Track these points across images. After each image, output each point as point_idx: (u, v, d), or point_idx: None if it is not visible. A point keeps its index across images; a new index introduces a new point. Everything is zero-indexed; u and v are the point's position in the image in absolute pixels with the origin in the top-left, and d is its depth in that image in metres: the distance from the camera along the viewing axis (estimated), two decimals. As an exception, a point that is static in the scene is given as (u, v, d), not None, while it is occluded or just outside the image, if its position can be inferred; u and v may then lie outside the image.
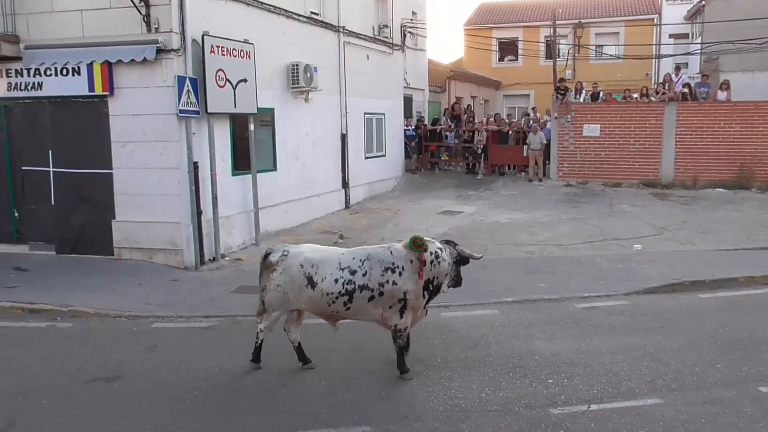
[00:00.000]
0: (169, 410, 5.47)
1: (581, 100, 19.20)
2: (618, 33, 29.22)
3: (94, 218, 10.55)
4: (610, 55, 27.20)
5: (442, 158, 21.16)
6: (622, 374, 6.00)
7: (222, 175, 10.95)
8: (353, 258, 5.85)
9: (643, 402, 5.44)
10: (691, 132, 17.38)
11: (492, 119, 21.09)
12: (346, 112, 15.53)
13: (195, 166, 10.22)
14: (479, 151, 19.63)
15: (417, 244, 5.78)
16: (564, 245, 11.36)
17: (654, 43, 26.59)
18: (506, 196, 16.74)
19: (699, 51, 22.75)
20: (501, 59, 31.82)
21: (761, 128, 16.89)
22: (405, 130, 19.81)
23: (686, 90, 18.05)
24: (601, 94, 19.60)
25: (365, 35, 16.56)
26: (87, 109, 10.36)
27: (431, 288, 5.96)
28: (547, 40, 28.37)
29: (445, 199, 16.35)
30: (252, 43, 11.33)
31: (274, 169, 12.82)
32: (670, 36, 27.42)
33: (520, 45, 29.85)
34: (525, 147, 18.93)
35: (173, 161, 10.11)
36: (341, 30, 15.22)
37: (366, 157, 17.00)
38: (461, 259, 6.14)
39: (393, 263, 5.79)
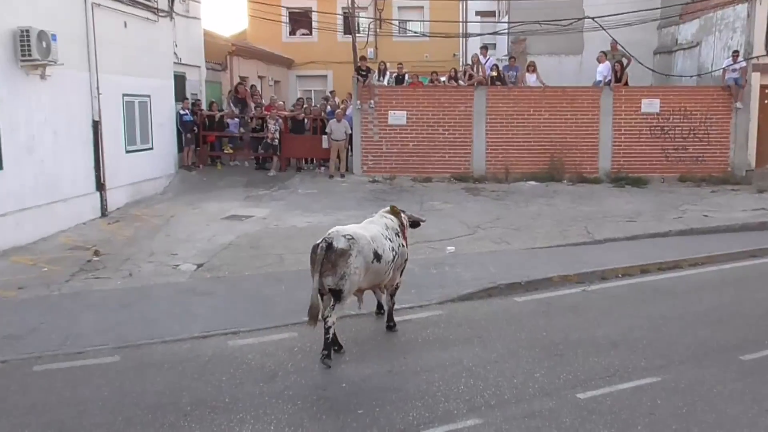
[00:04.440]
0: None
1: (385, 82, 19.97)
2: (422, 7, 30.93)
3: None
4: (415, 32, 28.71)
5: (226, 151, 20.80)
6: (439, 395, 6.33)
7: None
8: (382, 228, 7.75)
9: (462, 424, 5.79)
10: (502, 120, 18.96)
11: (280, 103, 21.16)
12: (99, 93, 14.57)
13: None
14: (274, 142, 19.52)
15: (396, 211, 8.09)
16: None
17: (460, 20, 28.58)
18: (304, 195, 16.90)
19: (506, 31, 24.88)
20: (293, 33, 32.04)
21: (570, 116, 18.93)
22: (182, 114, 19.08)
23: (495, 73, 19.62)
24: (406, 76, 20.58)
25: (121, -3, 15.69)
26: None
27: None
28: (344, 13, 29.14)
29: (230, 201, 16.08)
30: (-39, 1, 10.16)
31: (0, 167, 11.65)
32: (477, 13, 29.68)
33: (315, 17, 30.32)
34: (325, 137, 19.26)
35: None
36: (88, -11, 14.25)
37: (128, 151, 16.11)
38: (413, 223, 8.55)
39: (396, 229, 7.93)
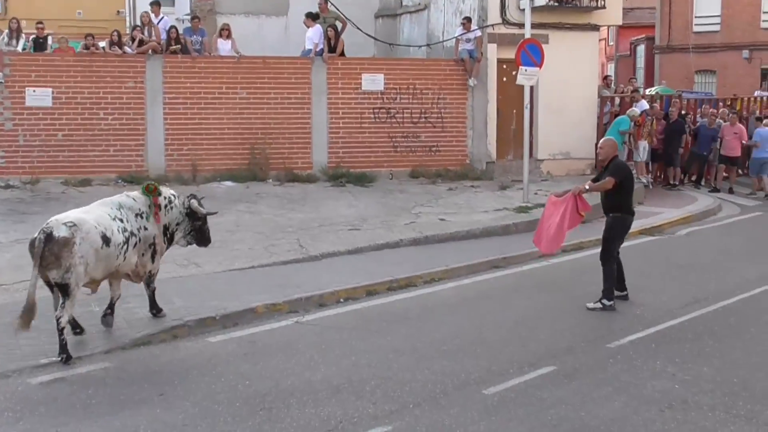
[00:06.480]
0: None
1: (19, 48, 19.02)
2: (70, -54, 29.88)
3: None
4: (62, -20, 27.68)
5: None
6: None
7: None
8: (111, 208, 9.00)
9: None
10: (185, 100, 18.92)
11: None
12: None
13: None
14: None
15: (150, 189, 9.34)
16: (7, 285, 11.19)
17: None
18: None
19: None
20: None
21: (274, 95, 19.41)
22: None
23: (173, 37, 19.48)
24: (50, 39, 19.76)
25: None
26: None
27: (167, 235, 9.65)
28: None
29: None
30: None
31: None
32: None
33: None
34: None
35: None
36: None
37: None
38: (191, 213, 9.72)
39: (140, 209, 9.24)
